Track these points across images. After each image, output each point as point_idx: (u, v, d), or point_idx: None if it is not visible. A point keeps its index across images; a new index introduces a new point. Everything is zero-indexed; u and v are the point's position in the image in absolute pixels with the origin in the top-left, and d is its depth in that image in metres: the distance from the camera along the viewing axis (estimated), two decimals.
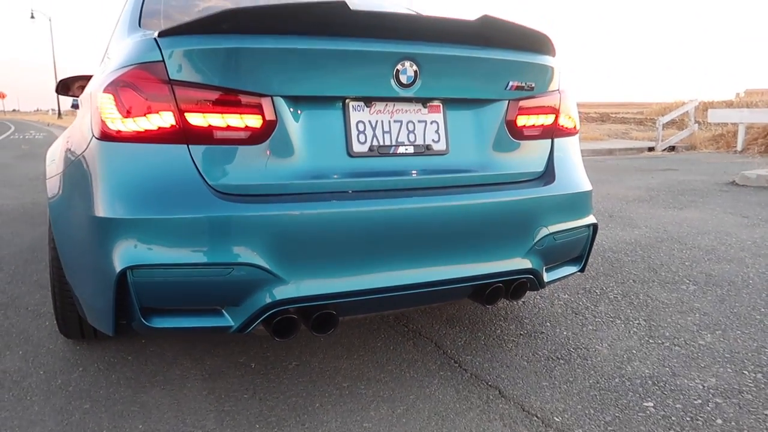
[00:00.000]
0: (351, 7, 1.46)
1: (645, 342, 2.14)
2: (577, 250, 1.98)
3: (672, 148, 12.12)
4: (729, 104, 16.93)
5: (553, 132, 1.91)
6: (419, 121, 1.67)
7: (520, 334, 2.22)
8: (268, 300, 1.47)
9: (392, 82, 1.58)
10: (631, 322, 2.33)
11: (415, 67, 1.59)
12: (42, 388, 1.79)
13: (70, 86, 3.36)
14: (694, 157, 9.98)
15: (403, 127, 1.65)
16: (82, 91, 3.36)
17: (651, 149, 11.95)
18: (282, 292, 1.47)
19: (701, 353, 2.04)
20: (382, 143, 1.62)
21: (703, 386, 1.80)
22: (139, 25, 1.91)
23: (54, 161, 1.94)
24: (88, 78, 3.44)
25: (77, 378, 1.86)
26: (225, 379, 1.85)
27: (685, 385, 1.81)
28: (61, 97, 3.49)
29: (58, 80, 3.46)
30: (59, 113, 45.77)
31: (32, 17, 39.43)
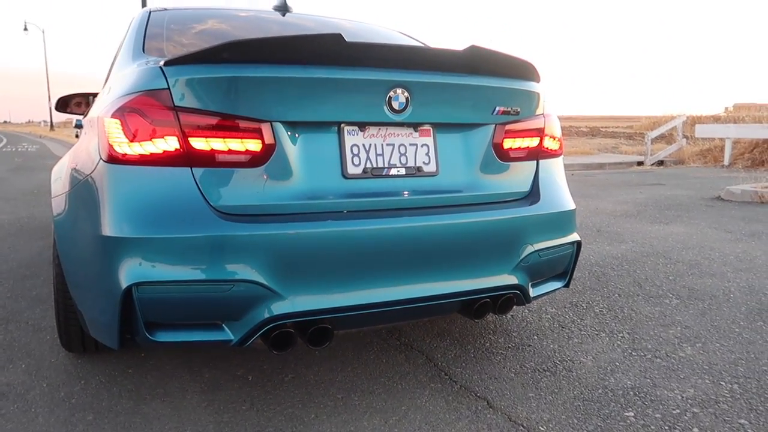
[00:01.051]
0: (346, 39, 1.56)
1: (628, 354, 2.22)
2: (561, 267, 2.07)
3: (661, 163, 12.32)
4: (717, 119, 17.20)
5: (538, 154, 2.01)
6: (410, 144, 1.76)
7: (508, 347, 2.30)
8: (267, 315, 1.54)
9: (385, 108, 1.67)
10: (615, 335, 2.42)
11: (406, 94, 1.68)
12: (46, 401, 1.85)
13: (68, 103, 3.44)
14: (682, 172, 10.16)
15: (395, 150, 1.74)
16: (80, 108, 3.45)
17: (640, 164, 12.14)
18: (280, 307, 1.55)
19: (681, 365, 2.12)
20: (375, 165, 1.71)
21: (682, 396, 1.88)
22: (143, 51, 2.00)
23: (60, 180, 2.01)
24: (85, 95, 3.53)
25: (80, 390, 1.92)
26: (223, 391, 1.92)
27: (664, 395, 1.89)
28: (58, 112, 3.56)
29: (57, 98, 3.53)
30: (51, 125, 45.73)
31: (25, 29, 39.48)
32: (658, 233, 4.51)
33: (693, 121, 15.12)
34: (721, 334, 2.42)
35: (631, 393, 1.91)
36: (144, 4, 13.65)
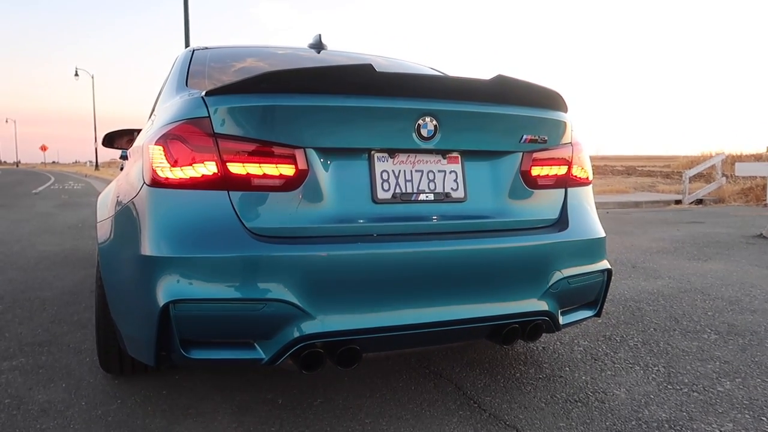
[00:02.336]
0: (377, 69, 1.63)
1: (663, 387, 2.17)
2: (592, 295, 2.06)
3: (700, 201, 12.05)
4: (758, 157, 16.81)
5: (566, 182, 2.03)
6: (439, 171, 1.81)
7: (539, 377, 2.27)
8: (297, 334, 1.58)
9: (414, 135, 1.73)
10: (650, 369, 2.36)
11: (435, 122, 1.74)
12: (83, 418, 1.91)
13: (114, 139, 3.64)
14: (722, 210, 9.91)
15: (423, 176, 1.79)
16: (125, 144, 3.65)
17: (678, 202, 11.90)
18: (310, 327, 1.58)
19: (719, 399, 2.06)
20: (404, 191, 1.75)
21: (720, 431, 1.82)
22: (186, 85, 2.12)
23: (105, 206, 2.12)
24: (130, 132, 3.74)
25: (116, 409, 1.97)
26: (253, 413, 1.94)
27: (701, 429, 1.84)
28: (105, 149, 3.74)
29: (104, 134, 3.74)
30: (96, 165, 47.55)
31: (76, 75, 41.59)
32: (696, 270, 4.40)
33: (732, 160, 14.82)
34: (762, 369, 2.34)
35: (666, 426, 1.86)
36: (187, 45, 14.30)
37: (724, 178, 12.61)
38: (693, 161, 18.06)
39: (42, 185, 21.33)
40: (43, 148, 59.70)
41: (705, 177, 14.72)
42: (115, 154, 3.64)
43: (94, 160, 47.86)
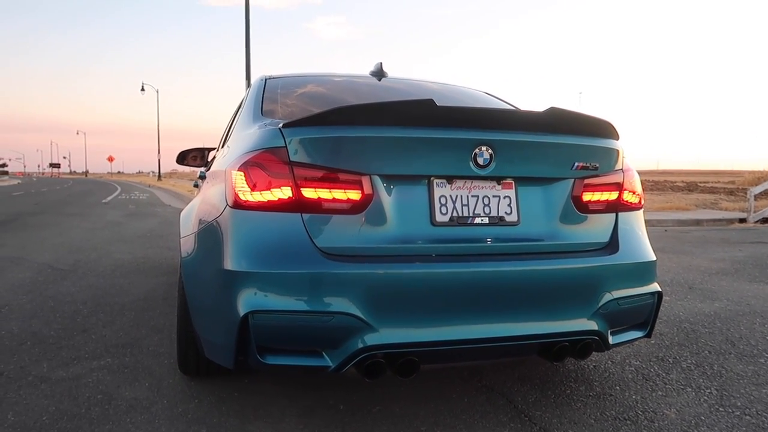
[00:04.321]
0: (437, 103, 1.78)
1: (715, 410, 2.20)
2: (642, 316, 2.12)
3: (766, 220, 11.57)
4: None
5: (617, 206, 2.11)
6: (494, 196, 1.93)
7: (590, 395, 2.34)
8: (361, 345, 1.73)
9: (471, 163, 1.86)
10: (702, 391, 2.39)
11: (490, 151, 1.87)
12: (167, 414, 2.12)
13: (186, 156, 3.99)
14: None
15: (479, 201, 1.91)
16: (195, 161, 3.96)
17: (742, 221, 11.46)
18: (372, 338, 1.73)
19: None
20: (461, 215, 1.89)
21: None
22: (262, 114, 2.33)
23: (188, 223, 2.34)
24: (201, 150, 4.06)
25: (194, 408, 2.18)
26: (318, 417, 2.11)
27: None
28: (178, 164, 4.08)
29: (179, 152, 4.07)
30: (159, 176, 49.68)
31: (142, 89, 43.75)
32: (757, 292, 4.31)
33: None
34: None
35: None
36: (248, 72, 14.83)
37: None
38: (759, 177, 17.32)
39: (110, 195, 22.54)
40: (110, 159, 62.85)
41: None
42: (175, 165, 3.99)
43: (157, 171, 50.01)
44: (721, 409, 2.21)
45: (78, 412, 2.13)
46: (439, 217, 1.87)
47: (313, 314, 1.72)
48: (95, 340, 3.01)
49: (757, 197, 12.02)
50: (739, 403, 2.26)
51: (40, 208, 13.45)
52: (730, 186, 22.13)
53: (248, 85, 14.29)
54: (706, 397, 2.32)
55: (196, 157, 3.98)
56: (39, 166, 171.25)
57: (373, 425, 2.04)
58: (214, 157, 3.12)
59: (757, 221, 11.40)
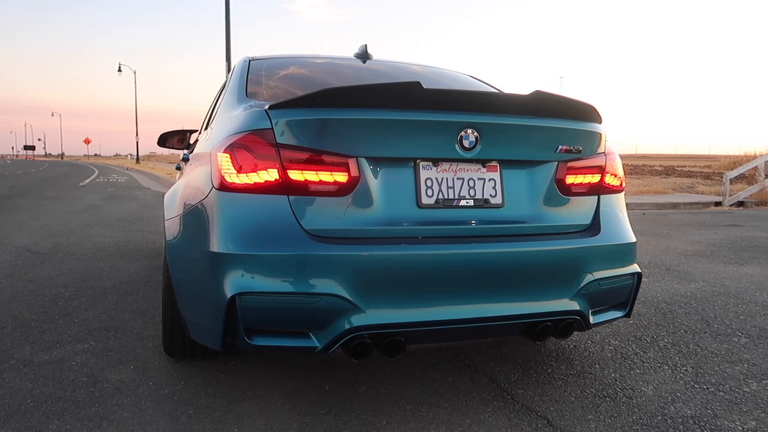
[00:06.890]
0: (424, 86, 1.79)
1: (690, 386, 2.27)
2: (622, 296, 2.17)
3: (741, 204, 11.82)
4: None
5: (599, 189, 2.15)
6: (479, 179, 1.95)
7: (570, 373, 2.40)
8: (347, 326, 1.75)
9: (456, 146, 1.87)
10: (678, 369, 2.46)
11: (476, 134, 1.88)
12: (153, 396, 2.13)
13: (167, 139, 3.93)
14: (763, 213, 9.73)
15: (464, 183, 1.93)
16: (177, 144, 3.91)
17: (718, 204, 11.70)
18: (359, 319, 1.75)
19: (745, 399, 2.15)
20: (446, 197, 1.91)
21: (743, 428, 1.92)
22: (246, 95, 2.31)
23: (172, 206, 2.33)
24: (182, 132, 4.00)
25: (180, 389, 2.19)
26: (304, 397, 2.13)
27: (725, 426, 1.94)
28: (153, 147, 4.03)
29: (159, 135, 4.01)
30: (137, 159, 48.93)
31: (119, 70, 42.85)
32: (731, 274, 4.43)
33: None
34: None
35: (691, 422, 1.97)
36: (228, 55, 14.61)
37: None
38: (735, 162, 17.64)
39: (87, 178, 22.16)
40: (87, 141, 61.64)
41: (747, 178, 14.39)
42: (154, 148, 3.95)
43: (136, 154, 49.25)
44: (696, 385, 2.28)
45: (63, 395, 2.12)
46: (425, 200, 1.88)
47: (300, 295, 1.73)
48: (78, 324, 2.99)
49: (732, 181, 12.26)
50: (713, 380, 2.33)
51: (15, 191, 13.19)
52: (707, 170, 22.51)
53: (228, 67, 14.10)
54: (681, 375, 2.39)
55: (177, 140, 3.92)
56: (13, 148, 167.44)
57: (359, 405, 2.07)
58: (197, 140, 3.09)
59: (732, 205, 11.64)
